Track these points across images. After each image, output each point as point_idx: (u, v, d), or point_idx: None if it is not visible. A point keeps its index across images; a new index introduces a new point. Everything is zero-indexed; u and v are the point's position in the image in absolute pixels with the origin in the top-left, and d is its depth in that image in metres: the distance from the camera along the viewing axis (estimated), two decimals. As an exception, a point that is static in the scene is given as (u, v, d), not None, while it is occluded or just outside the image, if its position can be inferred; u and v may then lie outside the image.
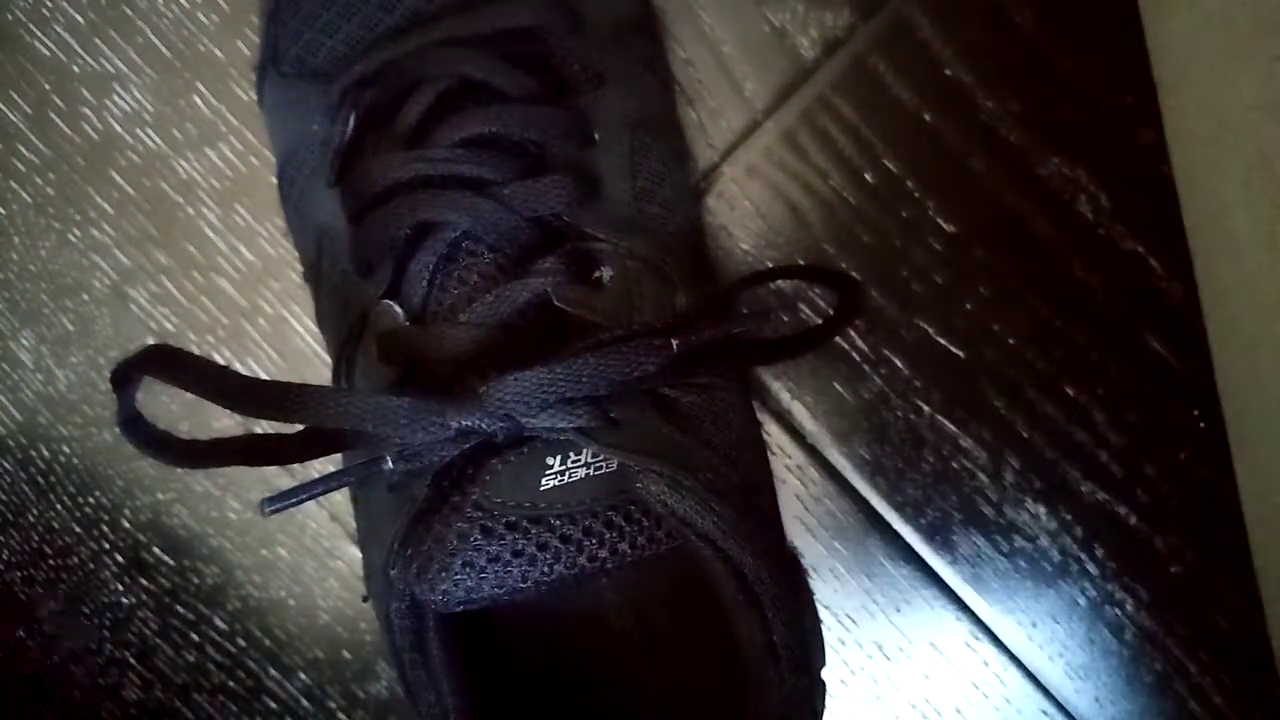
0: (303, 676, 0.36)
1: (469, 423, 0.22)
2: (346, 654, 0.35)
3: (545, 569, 0.23)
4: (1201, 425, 0.31)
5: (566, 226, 0.26)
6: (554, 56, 0.28)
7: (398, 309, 0.25)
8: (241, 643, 0.36)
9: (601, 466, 0.23)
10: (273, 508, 0.21)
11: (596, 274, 0.25)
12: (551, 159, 0.26)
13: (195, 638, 0.36)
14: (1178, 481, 0.32)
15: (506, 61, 0.26)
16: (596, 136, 0.27)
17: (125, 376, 0.20)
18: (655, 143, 0.28)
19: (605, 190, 0.26)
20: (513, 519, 0.23)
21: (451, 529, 0.23)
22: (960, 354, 0.32)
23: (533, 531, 0.23)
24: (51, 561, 0.36)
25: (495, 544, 0.23)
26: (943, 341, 0.32)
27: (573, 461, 0.23)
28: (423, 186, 0.25)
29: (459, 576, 0.23)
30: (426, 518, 0.23)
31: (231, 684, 0.36)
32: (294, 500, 0.21)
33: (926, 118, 0.31)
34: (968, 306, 0.32)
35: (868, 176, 0.32)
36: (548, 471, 0.23)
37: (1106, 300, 0.31)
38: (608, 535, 0.23)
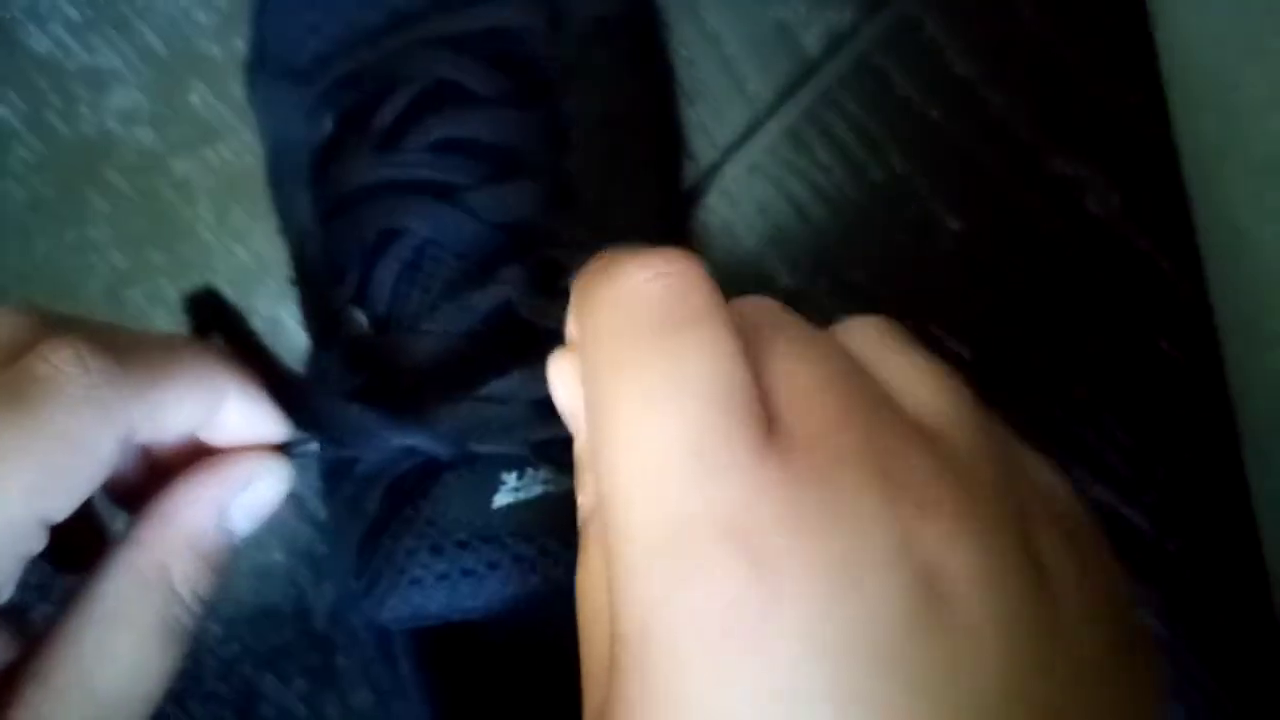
0: (298, 683, 0.35)
1: (413, 443, 0.21)
2: (342, 660, 0.35)
3: (496, 588, 0.22)
4: (1212, 426, 0.31)
5: (534, 233, 0.25)
6: (535, 57, 0.27)
7: (361, 316, 0.24)
8: (236, 649, 0.35)
9: (560, 483, 0.23)
10: None
11: (563, 282, 0.25)
12: (523, 163, 0.26)
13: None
14: (1188, 483, 0.31)
15: (485, 62, 0.26)
16: (572, 139, 0.26)
17: None
18: (633, 146, 0.28)
19: (577, 195, 0.26)
20: (463, 537, 0.22)
21: (400, 545, 0.22)
22: (967, 354, 0.32)
23: (483, 550, 0.22)
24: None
25: (443, 563, 0.22)
26: (950, 342, 0.32)
27: (529, 477, 0.23)
28: (390, 191, 0.25)
29: (407, 593, 0.22)
30: (378, 534, 0.22)
31: (226, 691, 0.35)
32: None
33: (933, 115, 0.31)
34: (975, 306, 0.31)
35: (873, 175, 0.31)
36: (503, 487, 0.22)
37: (1116, 299, 0.31)
38: (564, 555, 0.22)
